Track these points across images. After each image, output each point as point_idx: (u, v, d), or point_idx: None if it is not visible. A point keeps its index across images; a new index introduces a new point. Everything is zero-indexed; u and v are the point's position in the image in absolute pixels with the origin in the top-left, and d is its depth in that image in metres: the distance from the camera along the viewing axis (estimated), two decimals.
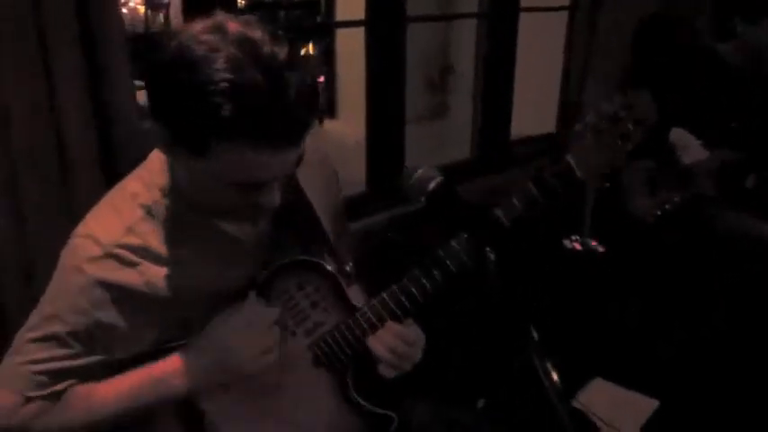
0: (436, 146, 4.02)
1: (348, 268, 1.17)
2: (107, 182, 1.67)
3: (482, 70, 3.03)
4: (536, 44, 3.34)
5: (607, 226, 2.70)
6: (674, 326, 2.47)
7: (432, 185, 1.00)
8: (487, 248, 0.92)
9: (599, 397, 2.29)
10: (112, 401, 1.04)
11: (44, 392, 1.01)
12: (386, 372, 1.14)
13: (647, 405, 2.29)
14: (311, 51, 4.16)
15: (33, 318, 1.03)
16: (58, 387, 1.02)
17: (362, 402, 1.15)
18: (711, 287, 2.35)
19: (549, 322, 2.36)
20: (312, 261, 1.10)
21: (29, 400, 1.01)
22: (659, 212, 2.37)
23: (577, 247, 2.52)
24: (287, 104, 0.85)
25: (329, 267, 1.11)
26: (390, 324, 1.12)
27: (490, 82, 3.04)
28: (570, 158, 1.01)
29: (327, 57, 4.06)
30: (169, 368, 1.04)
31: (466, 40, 3.37)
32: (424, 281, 1.08)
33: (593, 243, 2.55)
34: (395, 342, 1.12)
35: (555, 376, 0.83)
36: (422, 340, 1.16)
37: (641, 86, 2.58)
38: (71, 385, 1.03)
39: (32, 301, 1.04)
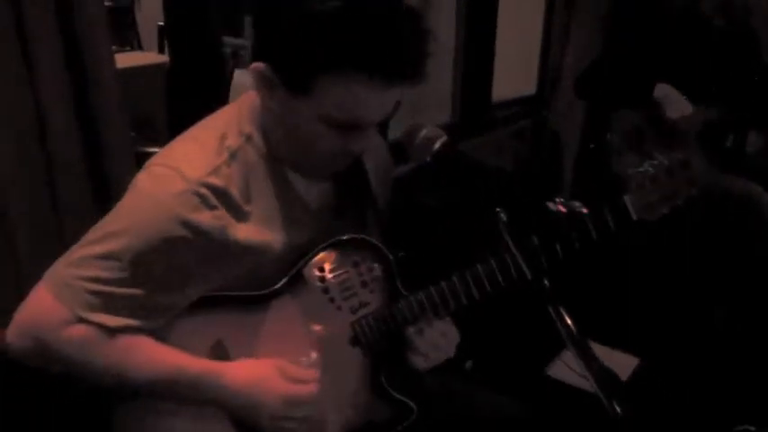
0: (414, 109, 3.99)
1: (400, 255, 1.17)
2: (84, 146, 1.63)
3: (463, 32, 3.00)
4: (516, 6, 3.31)
5: (592, 187, 2.71)
6: (659, 285, 2.51)
7: (437, 145, 1.00)
8: (498, 209, 0.91)
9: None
10: (145, 370, 1.02)
11: (96, 319, 0.99)
12: (420, 363, 1.14)
13: (628, 362, 2.35)
14: None
15: (97, 232, 1.00)
16: (109, 321, 0.99)
17: (388, 388, 1.16)
18: (697, 247, 2.39)
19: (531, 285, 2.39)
20: (374, 243, 1.11)
21: (79, 320, 0.99)
22: None
23: (561, 209, 2.52)
24: (403, 35, 0.85)
25: (387, 253, 1.12)
26: (433, 319, 1.12)
27: (471, 44, 3.01)
28: (627, 201, 1.06)
29: None
30: (207, 377, 1.04)
31: (445, 3, 3.33)
32: (474, 288, 1.09)
33: (578, 204, 2.55)
34: (437, 338, 1.12)
35: (569, 320, 0.84)
36: (457, 338, 1.17)
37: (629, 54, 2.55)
38: (120, 329, 1.00)
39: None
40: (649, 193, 1.05)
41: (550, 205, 2.60)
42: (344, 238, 1.10)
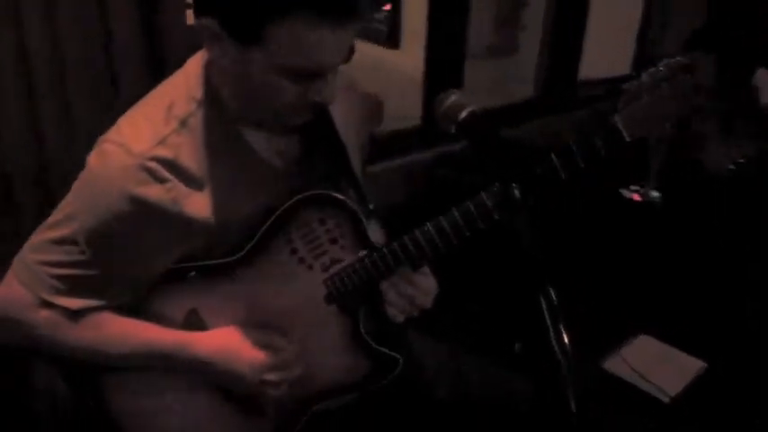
0: (503, 82, 3.88)
1: (371, 207, 1.14)
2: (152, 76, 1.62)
3: (553, 3, 2.86)
4: None
5: (674, 176, 2.54)
6: (732, 287, 2.34)
7: (463, 114, 0.94)
8: (513, 185, 0.86)
9: (643, 352, 2.22)
10: (116, 347, 1.05)
11: (61, 302, 1.01)
12: (393, 314, 1.11)
13: (694, 366, 2.21)
14: None
15: (55, 215, 1.02)
16: (73, 304, 1.02)
17: (370, 342, 1.13)
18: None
19: (598, 274, 2.28)
20: (337, 197, 1.07)
21: (44, 304, 1.01)
22: (733, 166, 2.21)
23: (636, 197, 2.38)
24: None
25: (353, 206, 1.08)
26: (405, 269, 1.08)
27: (561, 16, 2.87)
28: (618, 120, 0.95)
29: None
30: (178, 348, 1.05)
31: None
32: (449, 231, 1.03)
33: (655, 195, 2.40)
34: (406, 287, 1.09)
35: (566, 341, 0.77)
36: (434, 289, 1.13)
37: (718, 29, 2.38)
38: (88, 309, 1.03)
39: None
40: (646, 106, 0.94)
41: (625, 192, 2.47)
42: (308, 194, 1.06)
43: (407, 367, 1.14)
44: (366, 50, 4.02)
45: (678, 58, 0.95)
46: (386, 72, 3.79)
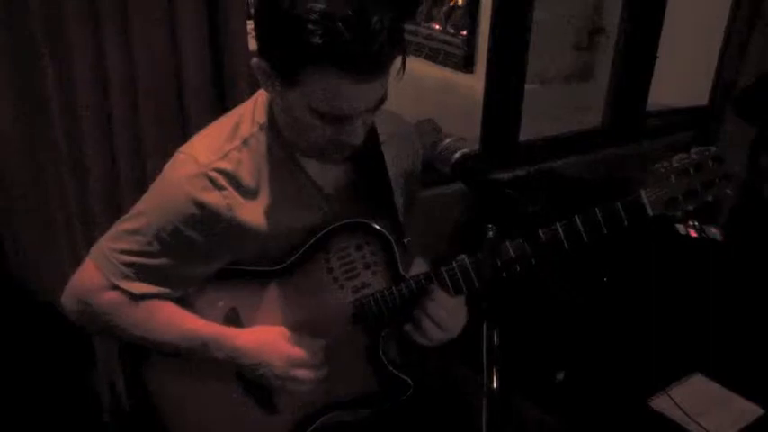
0: (577, 108, 3.84)
1: (405, 242, 1.24)
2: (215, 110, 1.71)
3: (624, 30, 2.82)
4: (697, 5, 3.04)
5: (739, 213, 2.46)
6: None
7: (456, 156, 1.02)
8: (489, 225, 0.92)
9: (695, 393, 2.16)
10: (163, 332, 1.17)
11: (125, 286, 1.15)
12: (421, 340, 1.18)
13: (749, 411, 2.13)
14: (459, 2, 4.13)
15: (133, 209, 1.18)
16: (136, 288, 1.15)
17: (386, 364, 1.22)
18: None
19: (650, 310, 2.23)
20: (376, 228, 1.18)
21: (113, 287, 1.15)
22: None
23: (693, 233, 2.32)
24: (370, 37, 0.94)
25: (390, 237, 1.18)
26: (438, 293, 1.16)
27: (631, 43, 2.81)
28: (644, 196, 1.03)
29: (473, 11, 3.99)
30: (218, 338, 1.17)
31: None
32: (472, 274, 1.14)
33: (714, 231, 2.33)
34: (437, 310, 1.16)
35: (495, 383, 0.80)
36: (464, 317, 1.20)
37: None
38: (145, 295, 1.16)
39: None
40: (673, 187, 1.01)
41: (680, 227, 2.40)
42: (350, 221, 1.17)
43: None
44: (440, 74, 4.11)
45: (711, 148, 1.02)
46: (459, 96, 3.86)
